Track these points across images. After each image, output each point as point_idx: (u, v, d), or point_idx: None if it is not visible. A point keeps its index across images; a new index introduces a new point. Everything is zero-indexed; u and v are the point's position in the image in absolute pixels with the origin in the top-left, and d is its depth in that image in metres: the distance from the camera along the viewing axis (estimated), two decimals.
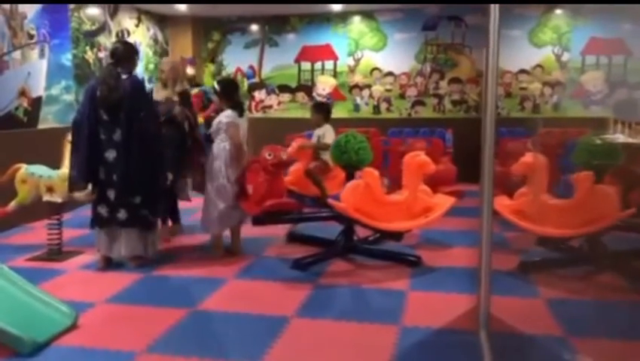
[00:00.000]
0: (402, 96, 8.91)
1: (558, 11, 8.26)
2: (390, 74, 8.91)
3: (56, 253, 4.76)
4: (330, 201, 4.43)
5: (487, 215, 2.99)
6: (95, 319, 3.47)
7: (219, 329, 3.35)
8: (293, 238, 5.24)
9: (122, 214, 4.31)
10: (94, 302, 3.73)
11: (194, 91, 7.60)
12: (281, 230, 5.34)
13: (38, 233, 5.54)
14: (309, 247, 4.91)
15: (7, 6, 5.82)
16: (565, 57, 8.26)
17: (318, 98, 9.19)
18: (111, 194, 4.31)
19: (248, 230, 5.06)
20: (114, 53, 4.42)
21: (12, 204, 4.80)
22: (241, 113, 4.74)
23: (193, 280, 4.24)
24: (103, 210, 4.36)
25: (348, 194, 4.31)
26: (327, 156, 5.09)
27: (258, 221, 4.48)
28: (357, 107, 9.10)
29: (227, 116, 4.62)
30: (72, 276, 4.31)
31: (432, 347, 3.10)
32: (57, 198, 4.69)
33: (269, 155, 4.38)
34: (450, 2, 8.20)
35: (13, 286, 3.28)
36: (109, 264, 4.46)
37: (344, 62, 9.06)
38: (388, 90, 8.95)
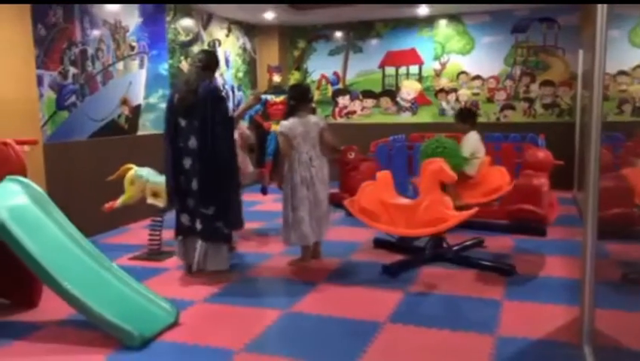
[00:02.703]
0: (490, 100, 8.69)
1: None
2: (477, 77, 8.72)
3: (156, 253, 5.02)
4: (346, 200, 4.45)
5: (592, 225, 2.86)
6: (195, 317, 3.63)
7: (313, 331, 3.40)
8: (379, 244, 5.23)
9: (198, 224, 4.27)
10: (193, 301, 3.90)
11: (279, 98, 7.83)
12: (366, 235, 5.36)
13: (136, 234, 5.88)
14: (396, 254, 4.90)
15: (112, 20, 6.23)
16: None
17: (403, 103, 9.16)
18: (190, 202, 4.30)
19: (334, 234, 5.13)
20: (200, 60, 4.38)
21: (119, 202, 5.10)
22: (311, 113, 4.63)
23: (284, 282, 4.34)
24: (185, 219, 4.36)
25: (358, 193, 4.37)
26: (469, 166, 4.92)
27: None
28: (442, 112, 8.97)
29: (281, 125, 4.54)
30: (171, 275, 4.52)
31: (531, 358, 3.00)
32: (160, 203, 4.92)
33: (350, 154, 4.76)
34: (551, 3, 7.89)
35: (122, 284, 3.49)
36: (191, 270, 4.45)
37: (429, 66, 8.97)
38: (475, 94, 8.77)
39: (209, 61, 4.42)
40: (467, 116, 5.34)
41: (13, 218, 3.32)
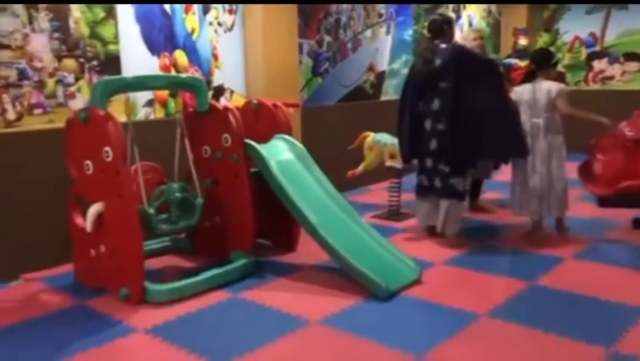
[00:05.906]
0: None
1: None
2: None
3: (395, 213, 5.23)
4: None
5: None
6: (435, 277, 3.71)
7: (560, 307, 3.23)
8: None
9: (437, 183, 4.33)
10: (433, 262, 3.99)
11: (524, 62, 7.38)
12: (623, 214, 4.83)
13: (375, 194, 6.17)
14: None
15: None
16: None
17: None
18: (429, 163, 4.39)
19: (584, 210, 4.75)
20: (429, 27, 4.50)
21: (360, 168, 5.41)
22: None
23: (527, 254, 4.16)
24: (423, 179, 4.47)
25: None
26: None
27: (605, 203, 4.14)
28: None
29: (513, 90, 4.50)
30: (410, 235, 4.67)
31: None
32: (397, 165, 5.10)
33: (630, 131, 3.98)
34: None
35: (370, 238, 3.74)
36: (432, 232, 4.53)
37: None
38: None
39: (433, 26, 4.44)
40: None
41: (281, 170, 3.79)
